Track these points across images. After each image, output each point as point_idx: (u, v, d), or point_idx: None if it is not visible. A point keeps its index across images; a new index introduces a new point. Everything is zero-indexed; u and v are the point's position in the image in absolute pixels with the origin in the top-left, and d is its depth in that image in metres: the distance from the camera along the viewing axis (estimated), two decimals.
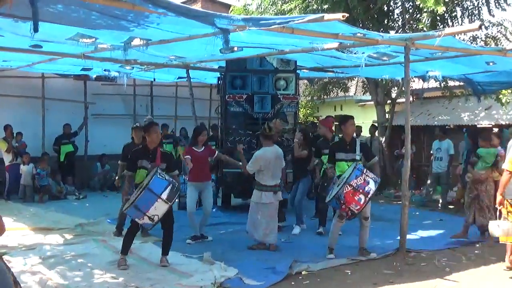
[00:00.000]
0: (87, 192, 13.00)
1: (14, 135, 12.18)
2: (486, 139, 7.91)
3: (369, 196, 6.38)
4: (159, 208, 5.81)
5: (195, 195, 7.74)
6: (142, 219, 5.90)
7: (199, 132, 7.85)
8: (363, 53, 7.59)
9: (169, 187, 5.86)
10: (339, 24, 5.69)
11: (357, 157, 6.84)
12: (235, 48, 7.60)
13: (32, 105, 13.16)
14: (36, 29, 4.12)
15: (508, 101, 12.06)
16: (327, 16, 5.38)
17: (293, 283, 5.79)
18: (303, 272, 6.10)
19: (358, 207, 6.35)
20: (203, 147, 7.79)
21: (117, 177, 8.49)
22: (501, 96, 11.98)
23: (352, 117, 7.18)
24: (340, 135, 7.73)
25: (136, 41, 6.76)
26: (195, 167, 7.58)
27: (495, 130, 10.30)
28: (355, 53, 7.68)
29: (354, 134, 7.40)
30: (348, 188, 6.29)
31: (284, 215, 8.67)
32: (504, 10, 12.10)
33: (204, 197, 7.79)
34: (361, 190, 6.30)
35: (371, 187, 6.39)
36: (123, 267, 6.14)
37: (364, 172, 6.43)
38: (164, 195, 5.79)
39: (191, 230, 7.72)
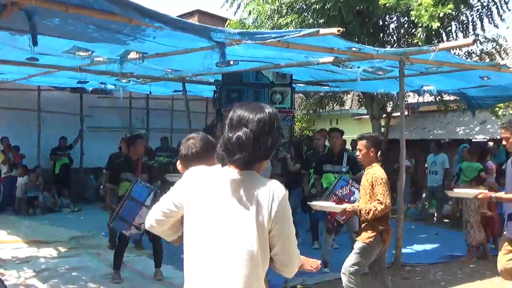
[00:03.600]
0: (82, 205, 12.94)
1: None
2: (473, 153, 7.95)
3: None
4: (144, 216, 5.77)
5: None
6: (129, 230, 5.87)
7: None
8: (359, 67, 7.63)
9: (151, 193, 5.85)
10: (334, 38, 5.72)
11: (343, 169, 6.86)
12: (231, 62, 7.62)
13: (28, 118, 13.13)
14: (35, 43, 4.13)
15: (504, 113, 12.11)
16: (322, 30, 5.41)
17: None
18: (298, 286, 6.08)
19: (344, 217, 6.25)
20: None
21: (102, 187, 8.46)
22: (497, 108, 12.04)
23: (336, 130, 7.29)
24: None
25: (132, 55, 6.77)
26: None
27: (490, 144, 10.33)
28: (350, 67, 7.72)
29: (353, 147, 7.45)
30: (333, 198, 6.24)
31: None
32: (496, 26, 12.21)
33: None
34: (346, 200, 6.22)
35: (357, 197, 6.27)
36: (117, 280, 6.10)
37: (350, 182, 6.40)
38: (148, 202, 5.78)
39: None
